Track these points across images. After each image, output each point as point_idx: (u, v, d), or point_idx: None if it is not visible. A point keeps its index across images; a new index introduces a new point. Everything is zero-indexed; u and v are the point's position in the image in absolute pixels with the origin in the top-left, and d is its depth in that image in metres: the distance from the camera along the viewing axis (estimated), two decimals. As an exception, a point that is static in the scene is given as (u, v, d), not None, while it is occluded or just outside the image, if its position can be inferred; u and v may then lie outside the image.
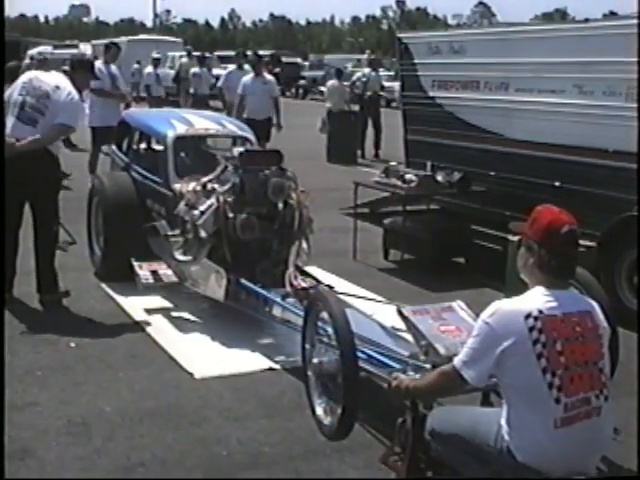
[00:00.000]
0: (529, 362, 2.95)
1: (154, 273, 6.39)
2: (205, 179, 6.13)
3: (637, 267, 6.09)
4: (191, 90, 19.97)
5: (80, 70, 6.55)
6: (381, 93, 18.27)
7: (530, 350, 2.94)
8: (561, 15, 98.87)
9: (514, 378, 3.02)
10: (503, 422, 3.05)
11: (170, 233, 6.20)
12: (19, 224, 6.33)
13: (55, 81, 6.26)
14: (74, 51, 38.89)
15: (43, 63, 12.00)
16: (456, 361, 3.10)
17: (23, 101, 6.17)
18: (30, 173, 6.06)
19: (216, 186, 6.03)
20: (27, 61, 29.97)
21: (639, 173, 6.04)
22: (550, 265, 3.08)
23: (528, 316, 2.97)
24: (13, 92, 6.27)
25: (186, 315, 6.22)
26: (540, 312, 2.98)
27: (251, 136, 7.21)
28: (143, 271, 6.34)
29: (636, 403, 4.47)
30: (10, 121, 6.13)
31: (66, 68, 6.71)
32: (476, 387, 3.24)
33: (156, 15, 72.08)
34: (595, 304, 3.21)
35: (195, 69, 20.24)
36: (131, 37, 34.22)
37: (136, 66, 25.39)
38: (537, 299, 3.03)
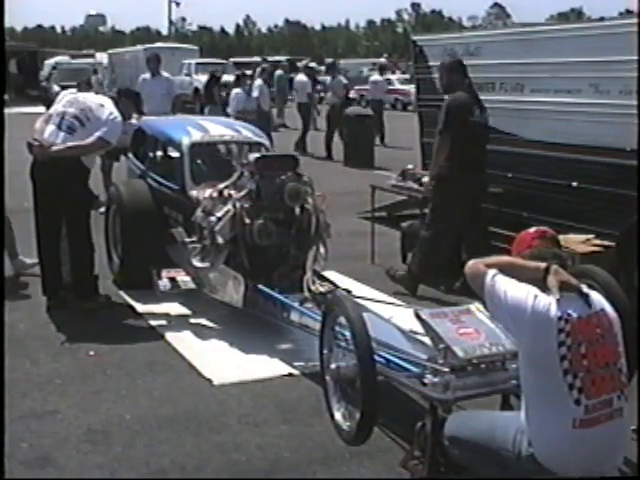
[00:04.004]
0: (551, 362, 2.96)
1: (172, 280, 6.41)
2: (221, 185, 6.15)
3: (637, 267, 6.06)
4: (293, 98, 19.32)
5: (126, 99, 6.92)
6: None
7: (554, 351, 2.95)
8: (576, 14, 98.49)
9: (534, 377, 3.02)
10: (522, 423, 3.04)
11: (187, 240, 6.22)
12: (57, 233, 6.41)
13: (100, 100, 6.53)
14: (91, 60, 39.24)
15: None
16: (492, 275, 3.20)
17: (65, 111, 6.35)
18: (62, 182, 6.18)
19: (232, 192, 6.05)
20: (46, 71, 30.19)
21: (639, 173, 6.02)
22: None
23: (560, 318, 2.98)
24: (58, 106, 6.47)
25: (204, 322, 6.23)
26: (569, 315, 3.00)
27: (266, 141, 7.22)
28: (161, 278, 6.36)
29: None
30: (49, 129, 6.28)
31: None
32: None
33: (171, 23, 72.30)
34: (602, 296, 3.22)
35: (300, 77, 19.44)
36: (147, 45, 34.38)
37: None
38: (564, 300, 3.04)
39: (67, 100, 6.50)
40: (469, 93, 6.91)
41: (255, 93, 15.43)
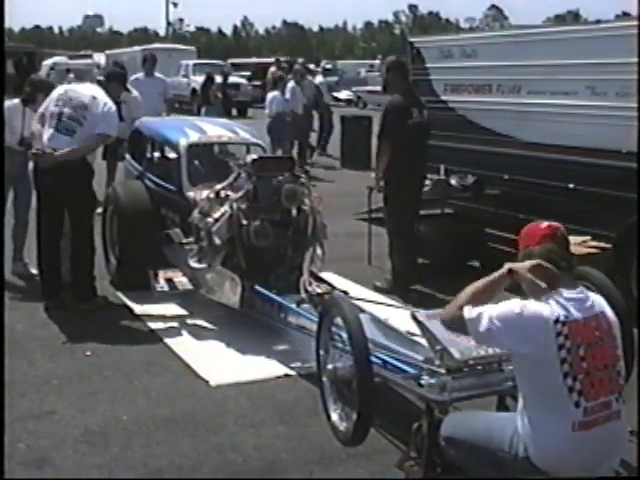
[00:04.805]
0: (552, 366, 2.95)
1: (169, 281, 6.41)
2: (218, 186, 6.15)
3: (637, 267, 6.08)
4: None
5: (114, 82, 6.94)
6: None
7: (555, 355, 2.95)
8: (573, 17, 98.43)
9: (534, 381, 3.01)
10: (519, 425, 3.04)
11: (184, 241, 6.22)
12: (59, 234, 6.41)
13: (91, 92, 6.43)
14: (89, 61, 39.18)
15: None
16: (469, 312, 3.09)
17: (60, 112, 6.30)
18: (67, 182, 6.18)
19: (229, 193, 6.05)
20: (44, 71, 30.19)
21: (639, 173, 6.03)
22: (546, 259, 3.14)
23: (557, 321, 2.97)
24: (49, 105, 6.40)
25: (201, 322, 6.23)
26: (566, 317, 2.99)
27: (263, 143, 7.23)
28: (158, 279, 6.36)
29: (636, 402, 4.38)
30: (48, 132, 6.26)
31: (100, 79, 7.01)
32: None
33: (169, 24, 72.04)
34: (602, 299, 3.21)
35: (319, 79, 19.06)
36: (145, 46, 34.38)
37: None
38: (561, 303, 3.03)
39: (58, 98, 6.39)
40: (408, 94, 7.08)
41: (287, 95, 15.34)
